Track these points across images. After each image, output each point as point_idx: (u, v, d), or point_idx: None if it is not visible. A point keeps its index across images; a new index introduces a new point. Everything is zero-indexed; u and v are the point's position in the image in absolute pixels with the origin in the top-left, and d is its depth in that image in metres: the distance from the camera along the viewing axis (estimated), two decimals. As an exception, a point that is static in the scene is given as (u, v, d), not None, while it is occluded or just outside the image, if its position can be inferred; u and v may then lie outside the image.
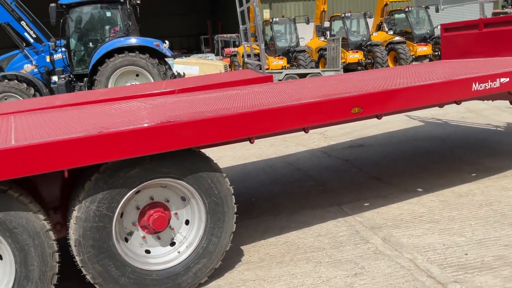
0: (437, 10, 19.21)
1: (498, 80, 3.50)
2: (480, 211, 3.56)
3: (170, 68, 11.24)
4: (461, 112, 7.94)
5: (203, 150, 2.83)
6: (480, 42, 5.71)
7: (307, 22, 18.20)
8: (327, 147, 6.40)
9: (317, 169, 5.33)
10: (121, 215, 2.67)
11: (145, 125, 2.45)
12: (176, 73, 11.47)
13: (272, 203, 4.30)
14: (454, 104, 3.80)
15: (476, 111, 7.82)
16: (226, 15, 29.95)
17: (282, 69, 16.26)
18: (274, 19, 18.05)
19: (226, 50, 19.82)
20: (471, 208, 3.65)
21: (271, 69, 16.20)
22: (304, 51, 16.98)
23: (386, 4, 19.37)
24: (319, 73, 13.78)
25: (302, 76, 13.69)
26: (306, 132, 2.96)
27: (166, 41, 10.88)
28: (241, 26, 7.57)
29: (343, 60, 17.47)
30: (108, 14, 10.52)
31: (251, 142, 2.86)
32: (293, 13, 22.92)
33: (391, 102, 3.05)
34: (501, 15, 13.58)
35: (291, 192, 4.55)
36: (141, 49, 10.02)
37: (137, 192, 2.66)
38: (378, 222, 3.56)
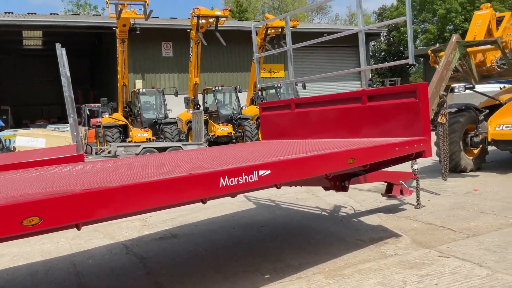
0: (304, 87, 20.15)
1: (255, 173, 2.93)
2: (240, 338, 2.83)
3: (-2, 141, 9.82)
4: (300, 191, 7.63)
5: None
6: (293, 122, 5.41)
7: (176, 94, 17.81)
8: (136, 239, 5.49)
9: (99, 273, 4.35)
10: None
11: None
12: (3, 147, 10.03)
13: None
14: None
15: (313, 191, 7.53)
16: (100, 84, 28.93)
17: (146, 141, 15.42)
18: (141, 90, 17.41)
19: (93, 120, 18.58)
20: (233, 332, 2.91)
21: (134, 142, 15.28)
22: (171, 123, 16.40)
23: (257, 80, 19.78)
24: (180, 146, 13.14)
25: (162, 149, 12.96)
26: None
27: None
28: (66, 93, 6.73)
29: (213, 133, 17.19)
30: None
31: None
32: (167, 84, 22.58)
33: (88, 208, 2.27)
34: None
35: (35, 313, 3.50)
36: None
37: None
38: None
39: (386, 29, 40.81)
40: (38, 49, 30.58)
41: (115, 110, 18.27)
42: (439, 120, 6.35)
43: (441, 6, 39.73)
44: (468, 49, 7.32)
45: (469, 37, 7.62)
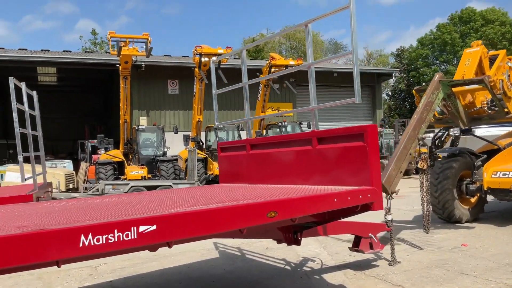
0: (309, 126, 19.65)
1: (134, 229, 2.42)
2: None
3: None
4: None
5: None
6: (247, 165, 4.90)
7: (175, 131, 17.50)
8: (71, 291, 4.96)
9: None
10: None
11: None
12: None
13: None
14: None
15: (288, 239, 6.88)
16: (111, 120, 29.05)
17: (141, 179, 15.04)
18: (141, 127, 17.16)
19: (94, 156, 18.33)
20: None
21: (129, 179, 14.90)
22: (168, 161, 16.01)
23: (262, 118, 19.43)
24: (170, 185, 12.67)
25: (152, 188, 12.50)
26: None
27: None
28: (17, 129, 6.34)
29: (211, 172, 16.73)
30: None
31: None
32: (172, 122, 22.36)
33: None
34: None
35: None
36: None
37: None
38: None
39: (399, 69, 40.45)
40: (52, 85, 31.07)
41: (116, 146, 18.04)
42: (419, 165, 5.74)
43: (461, 48, 39.38)
44: (455, 89, 6.74)
45: (457, 76, 7.05)
